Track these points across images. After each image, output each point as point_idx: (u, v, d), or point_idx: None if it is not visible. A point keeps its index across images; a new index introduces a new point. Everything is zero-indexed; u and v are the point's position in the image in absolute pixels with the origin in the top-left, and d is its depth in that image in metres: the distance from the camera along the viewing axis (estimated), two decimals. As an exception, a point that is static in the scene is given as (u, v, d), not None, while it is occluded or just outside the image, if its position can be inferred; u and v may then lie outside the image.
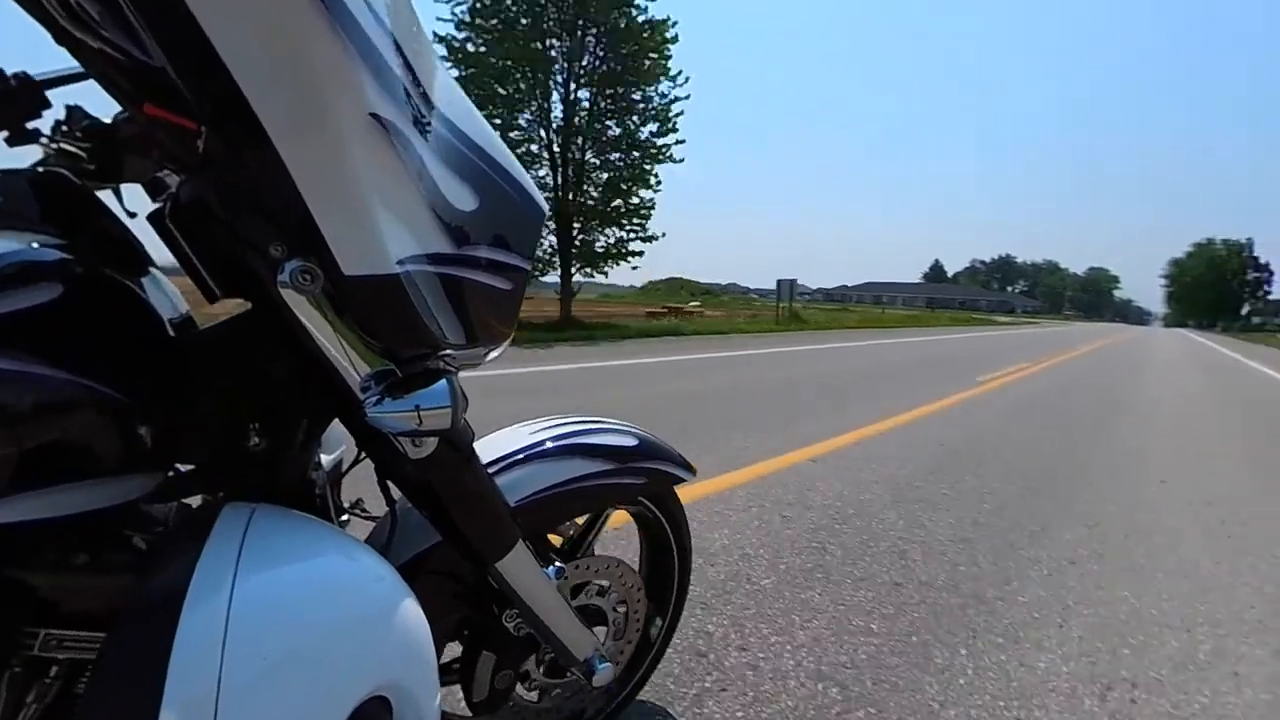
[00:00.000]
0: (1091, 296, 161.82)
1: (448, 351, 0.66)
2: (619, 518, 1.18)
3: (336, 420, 0.75)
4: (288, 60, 0.50)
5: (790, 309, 20.47)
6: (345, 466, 0.93)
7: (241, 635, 0.49)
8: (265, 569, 0.55)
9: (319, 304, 0.57)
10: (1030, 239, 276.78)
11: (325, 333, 0.59)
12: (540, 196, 0.77)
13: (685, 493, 1.24)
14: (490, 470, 0.89)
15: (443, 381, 0.62)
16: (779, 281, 20.39)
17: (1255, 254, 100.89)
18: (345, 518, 0.92)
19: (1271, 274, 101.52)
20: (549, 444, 0.99)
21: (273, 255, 0.56)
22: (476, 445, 0.79)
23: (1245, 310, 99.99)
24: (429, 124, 0.63)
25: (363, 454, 0.80)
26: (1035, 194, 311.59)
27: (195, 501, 0.73)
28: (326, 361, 0.61)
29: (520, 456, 0.96)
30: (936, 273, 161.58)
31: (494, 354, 0.76)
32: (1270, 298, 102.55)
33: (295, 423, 0.69)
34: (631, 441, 1.08)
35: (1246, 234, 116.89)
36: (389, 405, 0.60)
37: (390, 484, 0.79)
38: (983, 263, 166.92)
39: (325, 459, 0.86)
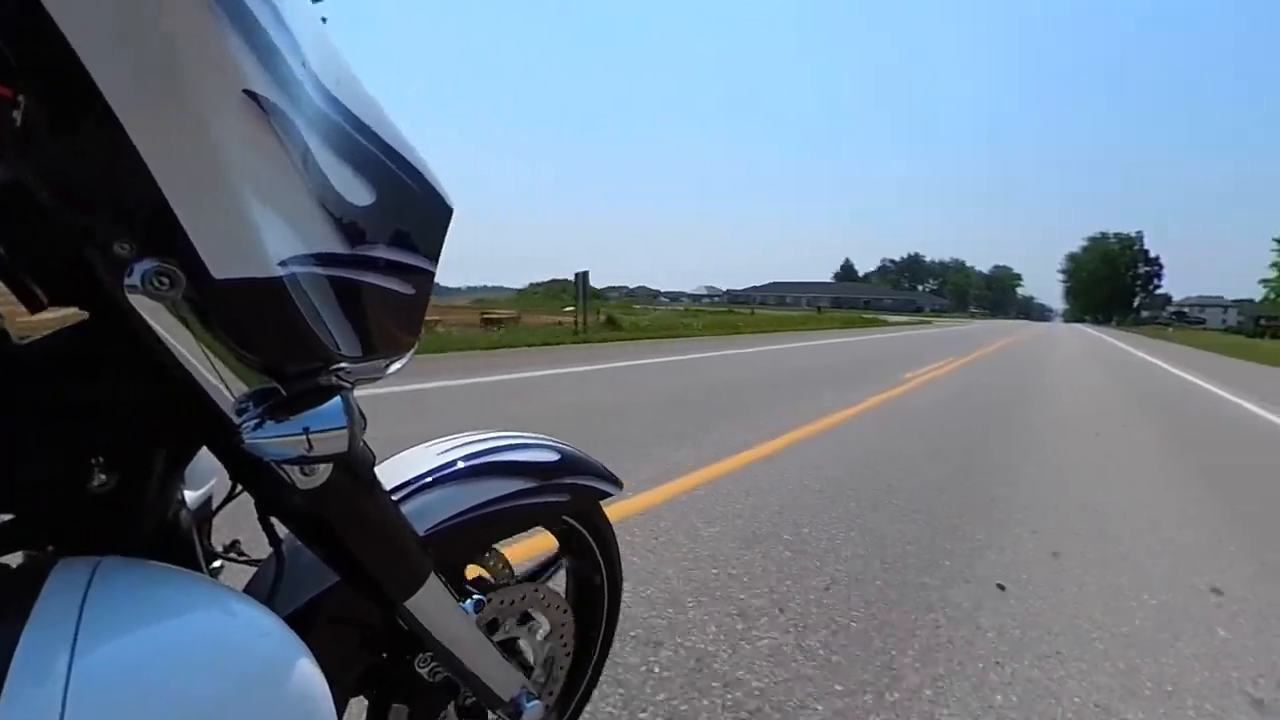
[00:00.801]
0: (996, 294, 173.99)
1: (341, 365, 0.62)
2: (539, 543, 1.14)
3: (205, 450, 0.69)
4: (138, 18, 0.44)
5: (585, 311, 14.94)
6: (216, 504, 0.86)
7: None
8: (114, 635, 0.47)
9: (180, 313, 0.51)
10: (939, 238, 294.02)
11: (189, 347, 0.53)
12: (446, 191, 0.74)
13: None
14: (395, 497, 0.85)
15: (336, 399, 0.58)
16: (576, 275, 14.82)
17: (1146, 247, 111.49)
18: (218, 564, 0.84)
19: (1161, 267, 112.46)
20: (460, 464, 0.95)
21: (118, 254, 0.49)
22: (378, 470, 0.75)
23: (1137, 303, 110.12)
24: (316, 106, 0.58)
25: (239, 488, 0.74)
26: (944, 193, 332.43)
27: (17, 560, 0.64)
28: (191, 381, 0.55)
29: (429, 480, 0.91)
30: (847, 272, 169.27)
31: (396, 366, 0.72)
32: (1158, 292, 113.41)
33: (151, 455, 0.62)
34: (552, 456, 1.05)
35: (1137, 227, 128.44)
36: (271, 429, 0.55)
37: (274, 520, 0.73)
38: (893, 262, 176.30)
39: (190, 496, 0.79)
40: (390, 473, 0.91)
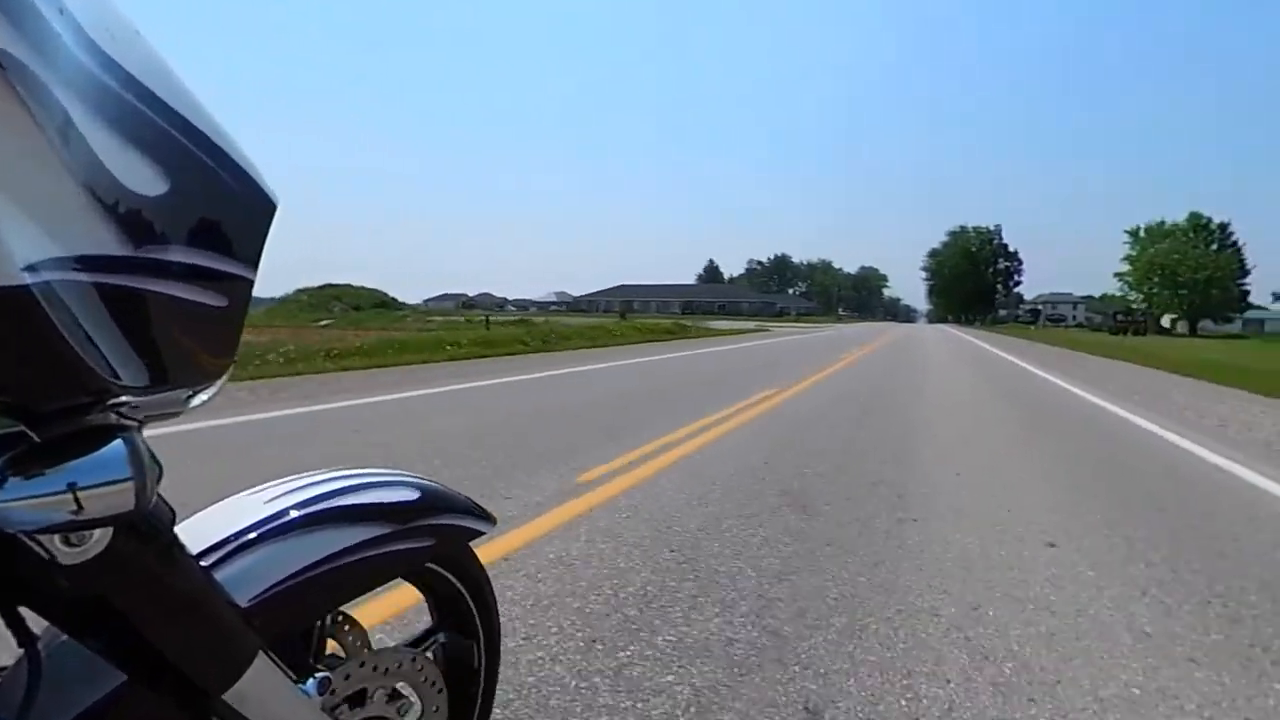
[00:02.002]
0: (863, 296, 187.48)
1: (124, 398, 0.56)
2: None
3: None
4: None
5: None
6: None
7: None
8: None
9: None
10: (807, 239, 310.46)
11: None
12: (265, 181, 0.68)
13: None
14: (206, 561, 0.77)
15: (117, 442, 0.53)
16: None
17: (1005, 241, 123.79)
18: None
19: (1020, 263, 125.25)
20: (293, 513, 0.87)
21: None
22: (180, 529, 0.68)
23: (997, 301, 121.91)
24: (81, 65, 0.51)
25: None
26: (812, 192, 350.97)
27: None
28: None
29: (252, 536, 0.83)
30: (711, 274, 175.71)
31: (202, 397, 0.66)
32: (1015, 289, 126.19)
33: None
34: (409, 495, 0.99)
35: (994, 222, 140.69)
36: (17, 488, 0.49)
37: (25, 611, 0.63)
38: (760, 263, 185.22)
39: None
40: (198, 531, 0.83)
